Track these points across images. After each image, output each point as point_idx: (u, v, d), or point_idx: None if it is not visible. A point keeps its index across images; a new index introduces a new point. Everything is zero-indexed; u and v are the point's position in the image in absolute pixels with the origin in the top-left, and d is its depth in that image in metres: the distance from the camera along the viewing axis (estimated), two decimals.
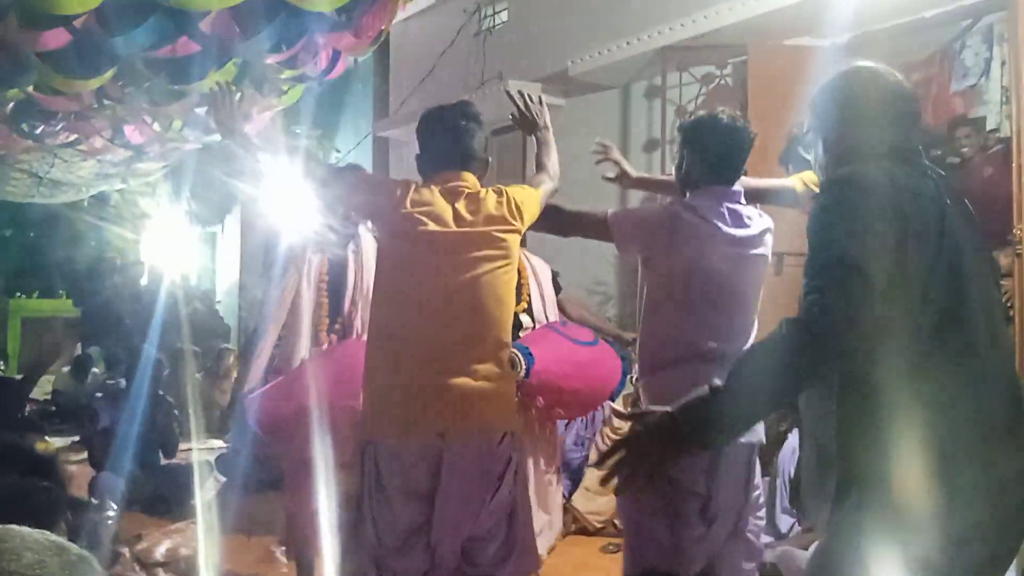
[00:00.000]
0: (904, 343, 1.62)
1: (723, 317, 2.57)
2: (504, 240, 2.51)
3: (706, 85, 6.25)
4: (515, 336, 4.00)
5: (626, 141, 6.99)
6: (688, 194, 2.69)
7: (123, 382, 5.77)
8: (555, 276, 4.39)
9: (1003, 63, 4.84)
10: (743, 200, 2.67)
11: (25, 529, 1.14)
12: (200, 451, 6.15)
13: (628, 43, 6.40)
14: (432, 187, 2.52)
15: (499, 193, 2.56)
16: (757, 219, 2.69)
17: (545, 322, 3.93)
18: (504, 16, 8.27)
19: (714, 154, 2.62)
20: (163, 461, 5.59)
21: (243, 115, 2.74)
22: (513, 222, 2.54)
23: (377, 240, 2.61)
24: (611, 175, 3.25)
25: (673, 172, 2.83)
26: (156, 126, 5.48)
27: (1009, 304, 4.34)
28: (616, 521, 4.40)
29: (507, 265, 2.52)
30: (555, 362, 3.58)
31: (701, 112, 2.82)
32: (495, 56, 8.04)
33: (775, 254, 3.62)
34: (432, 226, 2.44)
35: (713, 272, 2.56)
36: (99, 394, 5.85)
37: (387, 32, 4.79)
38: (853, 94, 1.83)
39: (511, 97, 2.96)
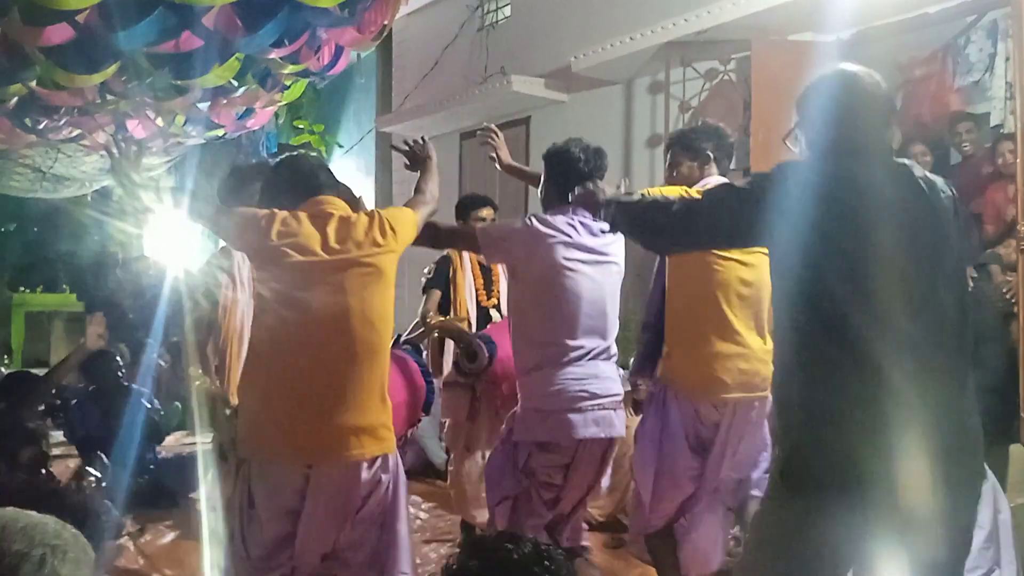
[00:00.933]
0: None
1: (581, 318, 2.92)
2: (374, 264, 2.53)
3: (709, 80, 6.24)
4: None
5: (629, 137, 6.99)
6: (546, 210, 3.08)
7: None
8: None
9: (1007, 59, 4.82)
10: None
11: (29, 512, 1.23)
12: (203, 444, 6.15)
13: (631, 38, 6.39)
14: (299, 214, 2.52)
15: (371, 216, 2.60)
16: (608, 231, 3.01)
17: None
18: (507, 11, 8.26)
19: (573, 179, 2.91)
20: (159, 452, 5.60)
21: (140, 167, 2.76)
22: (383, 242, 2.56)
23: (252, 267, 2.62)
24: (492, 155, 3.64)
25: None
26: (159, 121, 5.49)
27: (1013, 299, 4.33)
28: (621, 517, 4.39)
29: (381, 287, 2.55)
30: None
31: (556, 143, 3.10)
32: (498, 51, 8.03)
33: None
34: (298, 256, 2.44)
35: (567, 277, 2.91)
36: (74, 400, 5.82)
37: (390, 27, 4.79)
38: (833, 96, 2.02)
39: (397, 148, 3.23)
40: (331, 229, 2.49)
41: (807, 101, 2.08)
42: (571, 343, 2.91)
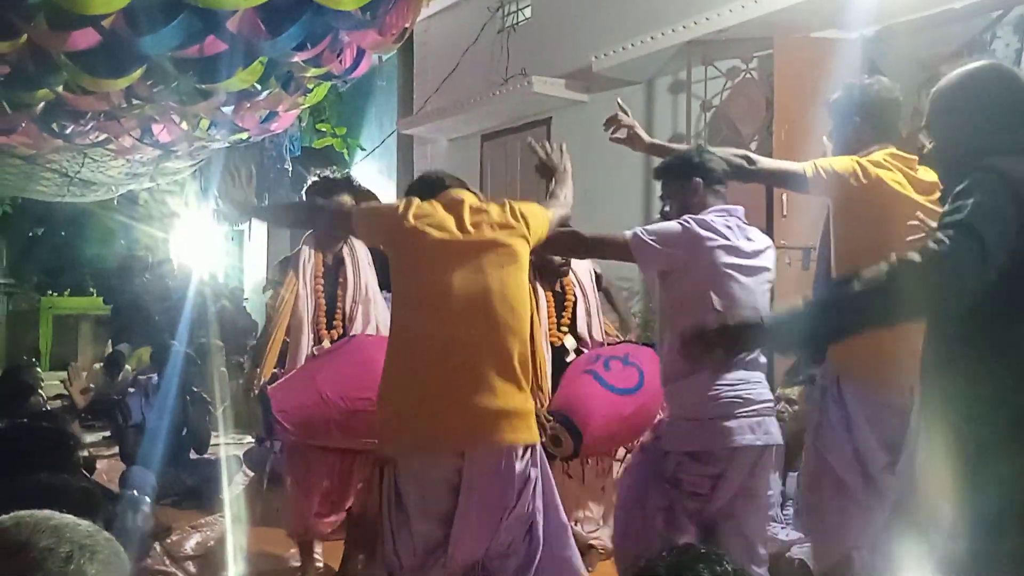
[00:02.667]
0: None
1: None
2: (510, 244, 2.51)
3: (731, 79, 6.20)
4: (560, 366, 3.84)
5: (651, 136, 6.95)
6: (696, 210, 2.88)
7: (155, 378, 5.81)
8: (598, 277, 4.29)
9: None
10: (745, 219, 2.92)
11: (64, 514, 1.24)
12: (228, 445, 6.21)
13: (652, 37, 6.36)
14: (433, 202, 2.57)
15: (502, 204, 2.60)
16: (760, 237, 2.94)
17: (588, 347, 3.93)
18: (527, 12, 8.26)
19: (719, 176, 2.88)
20: (194, 456, 5.65)
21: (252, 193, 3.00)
22: (516, 225, 2.55)
23: (390, 261, 2.64)
24: (621, 136, 3.42)
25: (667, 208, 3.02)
26: (184, 125, 5.54)
27: None
28: None
29: (516, 270, 2.52)
30: (602, 427, 3.52)
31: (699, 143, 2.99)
32: (519, 53, 8.03)
33: (803, 248, 3.55)
34: (436, 234, 2.45)
35: (725, 283, 2.75)
36: (131, 389, 5.92)
37: (411, 30, 4.81)
38: (982, 92, 1.92)
39: (533, 149, 3.06)
40: (465, 212, 2.53)
41: (961, 100, 1.96)
42: None
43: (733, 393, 2.74)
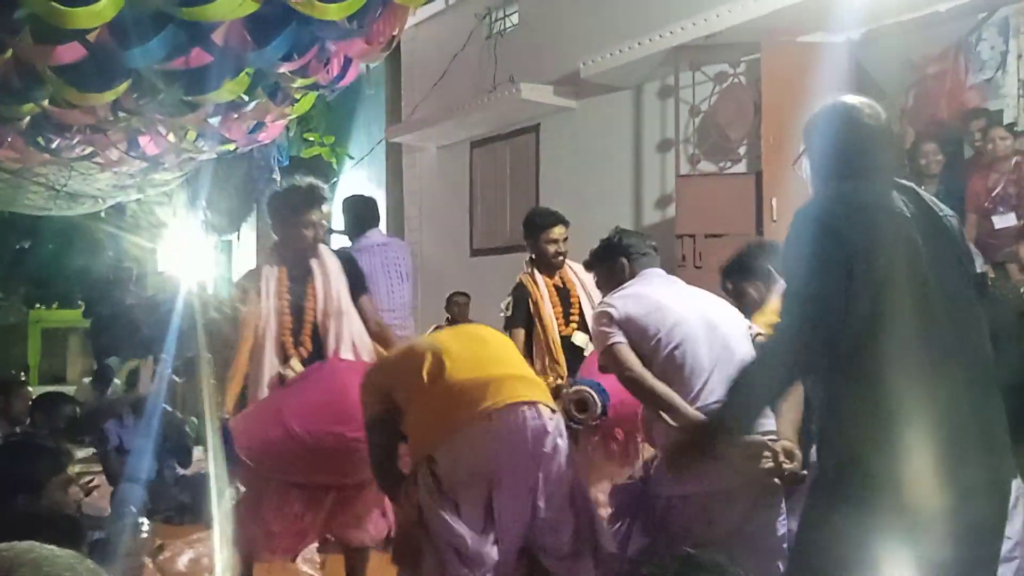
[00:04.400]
0: (864, 352, 1.90)
1: None
2: None
3: (719, 84, 6.22)
4: (576, 360, 3.88)
5: (639, 142, 6.97)
6: None
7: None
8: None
9: (1020, 56, 4.81)
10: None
11: (45, 545, 1.21)
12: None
13: (640, 43, 6.38)
14: None
15: None
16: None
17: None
18: (515, 19, 8.26)
19: None
20: (180, 472, 5.60)
21: None
22: None
23: None
24: None
25: None
26: (171, 137, 5.51)
27: None
28: None
29: None
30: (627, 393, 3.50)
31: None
32: (506, 59, 8.03)
33: None
34: None
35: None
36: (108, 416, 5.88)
37: (399, 38, 4.79)
38: (834, 126, 2.10)
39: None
40: None
41: (817, 132, 2.15)
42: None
43: None
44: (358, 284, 3.66)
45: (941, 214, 2.03)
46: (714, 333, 2.71)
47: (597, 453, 3.66)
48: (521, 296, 4.08)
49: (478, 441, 2.48)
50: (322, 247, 3.57)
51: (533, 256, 4.16)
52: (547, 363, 3.94)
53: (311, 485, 3.20)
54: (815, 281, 1.91)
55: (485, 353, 2.71)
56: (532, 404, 2.53)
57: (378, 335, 3.58)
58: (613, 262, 3.03)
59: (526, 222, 4.26)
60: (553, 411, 2.59)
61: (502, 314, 4.15)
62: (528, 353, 3.96)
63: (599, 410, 3.37)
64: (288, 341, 3.40)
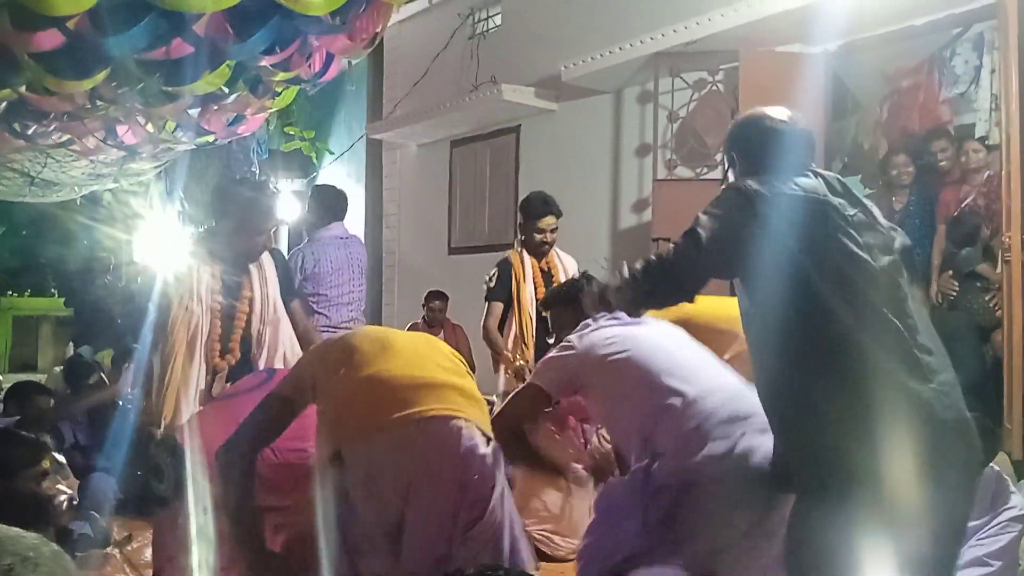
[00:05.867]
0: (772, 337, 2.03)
1: None
2: None
3: (698, 91, 6.28)
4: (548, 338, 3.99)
5: (618, 146, 7.01)
6: None
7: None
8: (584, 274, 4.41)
9: (993, 71, 4.88)
10: None
11: (10, 527, 1.23)
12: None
13: (621, 48, 6.42)
14: None
15: None
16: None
17: None
18: (498, 20, 8.29)
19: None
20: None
21: None
22: None
23: None
24: None
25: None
26: (149, 127, 5.48)
27: (998, 310, 4.37)
28: None
29: None
30: None
31: None
32: (488, 60, 8.06)
33: None
34: None
35: None
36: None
37: (382, 35, 4.80)
38: (746, 132, 2.30)
39: None
40: None
41: (736, 137, 2.35)
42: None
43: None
44: (290, 286, 3.54)
45: (859, 197, 2.16)
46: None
47: (550, 441, 3.64)
48: (505, 270, 4.31)
49: (400, 447, 2.30)
50: (264, 255, 3.40)
51: (523, 238, 4.42)
52: (518, 342, 4.08)
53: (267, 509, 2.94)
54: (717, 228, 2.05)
55: (425, 354, 2.56)
56: (468, 421, 2.37)
57: (303, 337, 3.41)
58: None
59: (522, 204, 4.49)
60: (488, 438, 2.42)
61: (484, 285, 4.35)
62: (502, 328, 4.14)
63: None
64: (216, 349, 3.20)
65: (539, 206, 4.41)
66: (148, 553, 4.37)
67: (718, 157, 6.20)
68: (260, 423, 2.56)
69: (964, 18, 5.04)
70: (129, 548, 4.40)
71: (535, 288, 4.29)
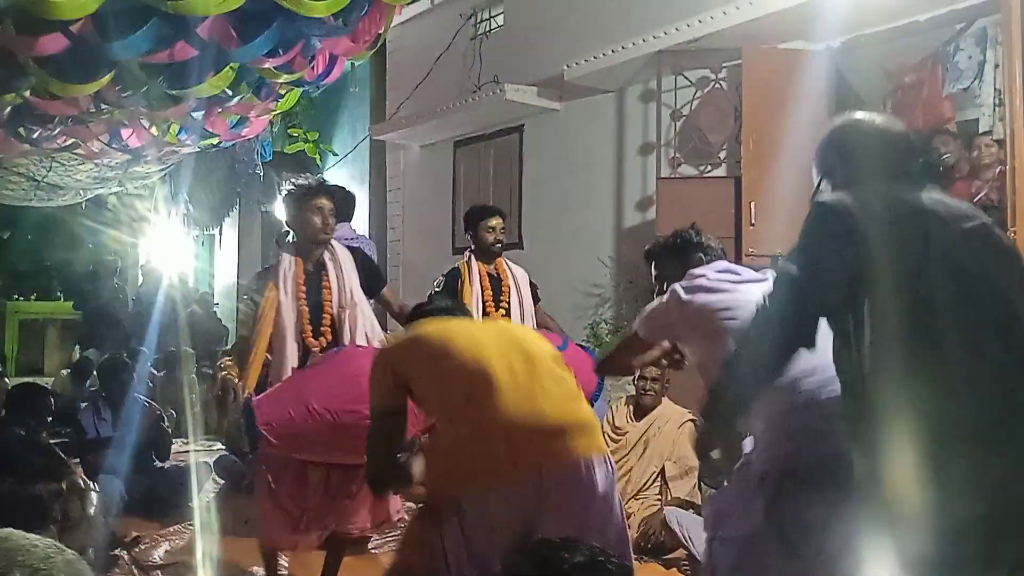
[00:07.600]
0: (889, 345, 1.85)
1: None
2: None
3: (701, 88, 6.27)
4: None
5: (621, 144, 7.01)
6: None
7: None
8: (534, 288, 4.73)
9: (996, 66, 4.86)
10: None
11: (24, 532, 1.21)
12: (198, 453, 6.16)
13: (623, 47, 6.42)
14: None
15: None
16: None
17: None
18: (500, 20, 8.29)
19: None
20: (158, 464, 5.58)
21: None
22: None
23: None
24: None
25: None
26: (153, 130, 5.50)
27: None
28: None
29: None
30: None
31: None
32: (491, 60, 8.06)
33: (771, 256, 3.46)
34: None
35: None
36: (83, 404, 5.83)
37: (384, 36, 4.81)
38: (845, 140, 2.12)
39: None
40: None
41: (829, 147, 2.15)
42: None
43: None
44: (378, 279, 3.90)
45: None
46: None
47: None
48: (452, 277, 4.57)
49: (517, 498, 2.25)
50: (335, 243, 3.73)
51: (473, 247, 4.65)
52: None
53: (326, 464, 3.37)
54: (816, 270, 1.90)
55: (534, 375, 2.41)
56: (587, 460, 2.31)
57: (401, 315, 3.70)
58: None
59: (466, 217, 4.76)
60: (607, 461, 2.39)
61: (432, 291, 4.52)
62: None
63: None
64: (308, 331, 3.57)
65: (483, 210, 4.71)
66: (156, 554, 4.40)
67: (722, 155, 6.21)
68: (382, 440, 2.59)
69: (967, 13, 5.02)
70: (137, 550, 4.42)
71: (481, 290, 4.51)
